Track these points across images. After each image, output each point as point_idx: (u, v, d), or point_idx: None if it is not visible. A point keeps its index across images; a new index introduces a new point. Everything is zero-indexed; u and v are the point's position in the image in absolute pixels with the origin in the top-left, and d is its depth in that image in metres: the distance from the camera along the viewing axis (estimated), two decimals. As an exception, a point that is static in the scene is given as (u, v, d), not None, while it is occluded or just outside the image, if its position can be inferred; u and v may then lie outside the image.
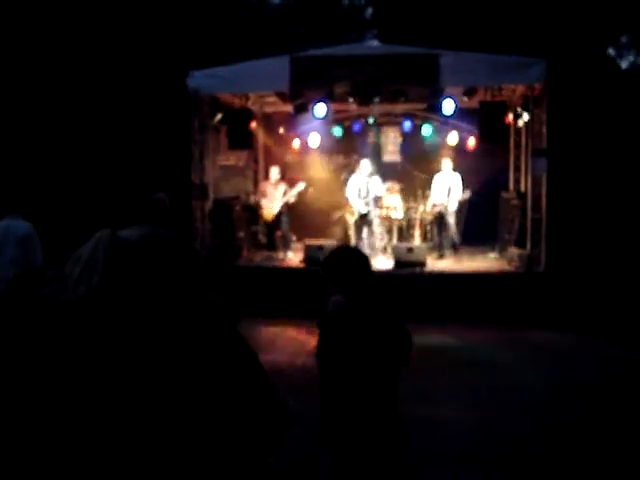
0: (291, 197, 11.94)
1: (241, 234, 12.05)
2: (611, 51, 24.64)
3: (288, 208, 12.08)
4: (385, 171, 12.66)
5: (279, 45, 22.39)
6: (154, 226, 1.73)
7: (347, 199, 11.73)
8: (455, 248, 11.73)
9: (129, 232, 1.67)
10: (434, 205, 11.82)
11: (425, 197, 12.14)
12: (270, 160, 13.10)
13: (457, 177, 11.78)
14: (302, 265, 10.99)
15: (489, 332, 9.33)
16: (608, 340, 8.86)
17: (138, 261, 1.63)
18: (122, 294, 1.58)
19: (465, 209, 11.98)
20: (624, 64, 24.70)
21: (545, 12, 21.84)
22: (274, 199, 11.96)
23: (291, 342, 8.97)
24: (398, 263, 10.72)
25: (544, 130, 10.47)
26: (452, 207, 11.70)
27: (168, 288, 1.67)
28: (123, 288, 1.59)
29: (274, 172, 12.17)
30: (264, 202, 12.00)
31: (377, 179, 11.68)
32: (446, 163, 11.88)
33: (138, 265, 1.63)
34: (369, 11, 35.88)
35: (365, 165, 11.64)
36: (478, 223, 12.50)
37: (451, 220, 11.69)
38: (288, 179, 12.60)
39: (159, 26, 21.04)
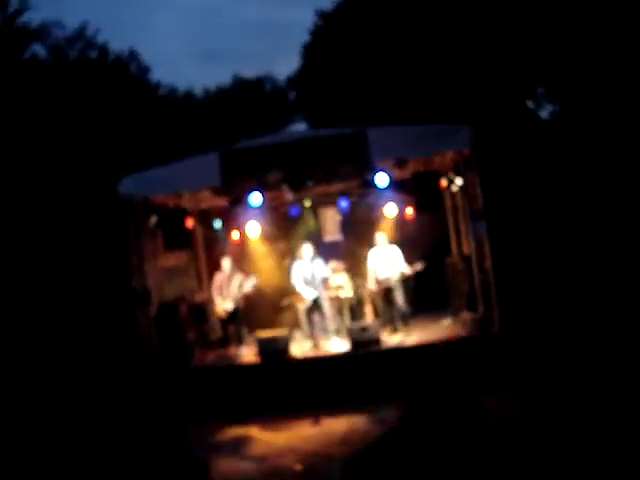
0: (248, 289, 11.72)
1: (190, 335, 11.74)
2: (530, 104, 25.53)
3: (243, 302, 11.86)
4: (328, 251, 12.58)
5: (207, 139, 22.57)
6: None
7: (294, 287, 11.58)
8: (405, 320, 11.57)
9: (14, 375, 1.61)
10: (378, 282, 11.70)
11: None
12: (211, 256, 12.90)
13: (396, 250, 11.72)
14: (257, 360, 10.71)
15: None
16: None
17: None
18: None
19: (413, 278, 11.89)
20: (544, 114, 25.60)
21: (464, 76, 22.52)
22: (229, 293, 11.73)
23: (255, 443, 8.63)
24: (354, 344, 10.55)
25: (478, 192, 10.57)
26: (397, 280, 11.59)
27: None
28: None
29: (226, 263, 11.97)
30: (218, 298, 11.75)
31: (320, 261, 11.60)
32: (380, 237, 11.84)
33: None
34: (292, 95, 36.73)
35: (306, 250, 11.56)
36: (427, 291, 12.46)
37: (398, 294, 11.57)
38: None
39: (86, 136, 21.02)
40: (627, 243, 13.92)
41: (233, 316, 11.76)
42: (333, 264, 12.12)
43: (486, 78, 22.70)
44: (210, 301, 12.29)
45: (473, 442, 2.79)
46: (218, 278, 12.06)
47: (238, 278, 11.84)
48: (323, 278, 11.57)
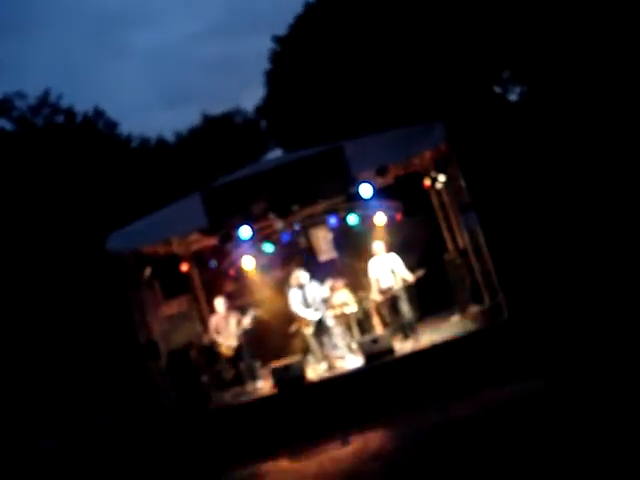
0: (247, 325, 11.68)
1: (204, 378, 11.67)
2: (497, 89, 25.67)
3: (245, 337, 11.80)
4: (325, 270, 12.59)
5: (187, 184, 22.56)
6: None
7: (296, 313, 11.54)
8: (413, 326, 11.50)
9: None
10: (382, 291, 11.67)
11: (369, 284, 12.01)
12: (211, 296, 12.85)
13: (395, 257, 11.70)
14: (274, 390, 10.65)
15: (474, 402, 9.06)
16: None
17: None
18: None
19: (415, 284, 11.84)
20: (513, 97, 25.73)
21: (428, 74, 22.62)
22: (229, 332, 11.68)
23: (289, 474, 8.54)
24: (368, 357, 10.50)
25: (463, 185, 10.58)
26: (400, 288, 11.55)
27: None
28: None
29: (219, 304, 11.94)
30: (219, 338, 11.71)
31: (315, 284, 11.57)
32: (378, 246, 11.82)
33: None
34: (264, 123, 36.83)
35: (300, 275, 11.54)
36: (431, 292, 12.44)
37: (403, 301, 11.52)
38: (234, 307, 12.37)
39: (71, 203, 21.01)
40: (607, 213, 13.94)
41: (239, 353, 11.69)
42: (329, 282, 12.07)
43: (450, 70, 22.81)
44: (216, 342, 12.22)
45: None
46: (213, 320, 12.00)
47: (234, 316, 11.80)
48: (323, 298, 11.54)
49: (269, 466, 9.08)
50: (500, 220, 13.08)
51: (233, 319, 11.77)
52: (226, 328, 11.73)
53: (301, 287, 11.48)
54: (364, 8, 25.52)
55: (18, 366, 14.60)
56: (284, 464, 9.01)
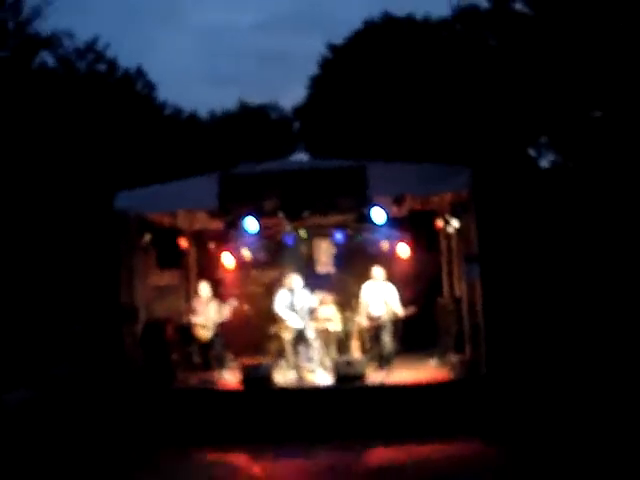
0: (225, 316, 11.67)
1: (175, 356, 11.65)
2: (531, 152, 25.70)
3: (222, 327, 11.78)
4: (319, 282, 12.55)
5: (208, 162, 22.63)
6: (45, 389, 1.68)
7: (278, 315, 11.52)
8: (390, 359, 11.45)
9: (11, 396, 1.62)
10: (370, 317, 11.62)
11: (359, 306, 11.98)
12: (203, 277, 12.83)
13: (391, 288, 11.66)
14: (240, 386, 10.61)
15: (430, 446, 9.03)
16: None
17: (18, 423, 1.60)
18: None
19: (403, 319, 11.81)
20: (544, 163, 25.75)
21: (467, 120, 22.69)
22: (206, 317, 11.66)
23: (232, 471, 8.50)
24: (339, 377, 10.47)
25: (474, 236, 10.55)
26: (388, 319, 11.51)
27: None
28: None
29: (204, 289, 11.94)
30: (197, 321, 11.68)
31: (306, 292, 11.56)
32: (378, 272, 11.78)
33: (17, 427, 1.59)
34: (297, 125, 36.93)
35: (295, 280, 11.53)
36: (416, 330, 12.40)
37: (387, 332, 11.48)
38: (221, 295, 12.36)
39: (86, 149, 21.04)
40: (620, 297, 13.92)
41: (212, 340, 11.67)
42: (320, 295, 12.06)
43: (490, 122, 22.86)
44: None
45: None
46: (194, 302, 12.01)
47: (214, 304, 11.79)
48: (310, 309, 11.52)
49: (215, 457, 9.03)
50: (501, 279, 13.05)
51: (214, 306, 11.76)
52: (204, 313, 11.72)
53: (291, 291, 11.48)
54: (420, 41, 25.71)
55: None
56: (231, 459, 8.97)
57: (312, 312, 11.62)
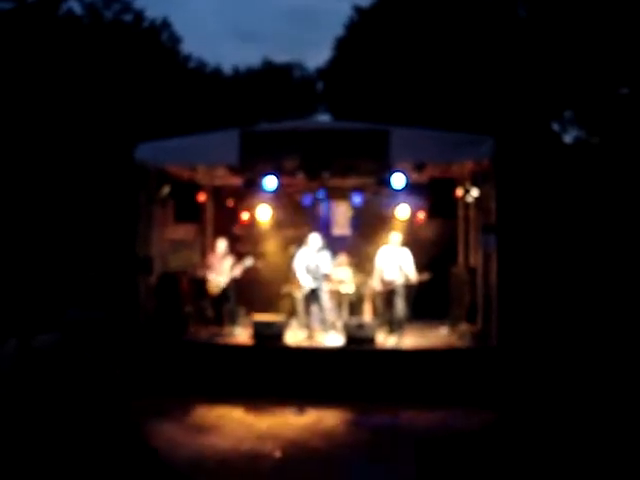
0: (238, 272, 11.74)
1: (188, 308, 11.76)
2: (555, 126, 25.45)
3: (236, 282, 11.86)
4: (335, 244, 12.57)
5: (229, 118, 22.55)
6: (68, 332, 1.73)
7: (294, 273, 11.57)
8: (401, 325, 11.49)
9: (41, 340, 1.68)
10: (384, 282, 11.63)
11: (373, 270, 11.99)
12: (219, 233, 12.89)
13: (407, 253, 11.63)
14: (251, 342, 10.71)
15: (439, 413, 9.11)
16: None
17: (49, 366, 1.65)
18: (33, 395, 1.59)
19: (416, 285, 11.81)
20: (567, 138, 25.51)
21: (492, 90, 22.45)
22: (221, 272, 11.76)
23: (237, 424, 8.61)
24: (349, 339, 10.54)
25: (493, 206, 10.50)
26: (401, 284, 11.52)
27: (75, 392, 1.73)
28: (35, 390, 1.61)
29: (221, 245, 12.00)
30: (211, 276, 11.78)
31: (327, 254, 11.58)
32: (394, 237, 11.74)
33: (49, 370, 1.63)
34: (320, 85, 36.66)
35: (314, 239, 11.54)
36: (428, 298, 12.40)
37: (399, 297, 11.50)
38: (236, 252, 12.42)
39: (109, 99, 21.01)
40: (635, 269, 13.86)
41: (225, 295, 11.77)
42: (338, 258, 12.10)
43: (515, 94, 22.62)
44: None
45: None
46: (210, 257, 12.11)
47: (230, 260, 11.86)
48: (325, 273, 11.55)
49: (221, 411, 9.15)
50: (518, 251, 13.01)
51: (228, 262, 11.83)
52: (219, 268, 11.80)
53: (311, 251, 11.50)
54: (448, 7, 25.35)
55: (13, 250, 14.69)
56: (237, 414, 9.08)
57: (327, 275, 11.66)
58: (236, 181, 11.87)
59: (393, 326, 11.43)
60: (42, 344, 1.52)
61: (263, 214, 12.71)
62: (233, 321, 11.78)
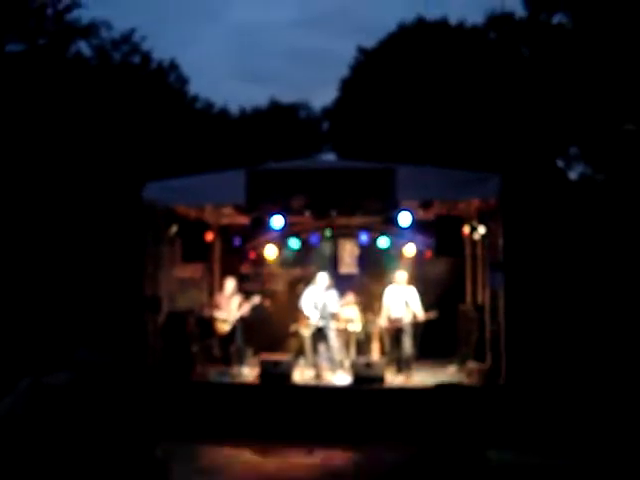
0: (245, 311, 11.74)
1: (195, 348, 11.71)
2: (560, 163, 25.55)
3: (243, 321, 11.85)
4: (342, 283, 12.56)
5: (236, 157, 22.72)
6: (81, 372, 1.75)
7: (302, 311, 11.55)
8: (409, 363, 11.41)
9: (55, 378, 1.68)
10: (390, 320, 11.60)
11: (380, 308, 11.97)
12: (227, 272, 12.91)
13: (413, 291, 11.63)
14: (258, 381, 10.66)
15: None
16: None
17: (63, 404, 1.65)
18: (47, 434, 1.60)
19: (423, 323, 11.78)
20: (573, 175, 25.59)
21: (497, 128, 22.60)
22: (229, 312, 11.75)
23: (246, 466, 8.52)
24: (357, 378, 10.48)
25: (500, 243, 10.50)
26: (409, 322, 11.48)
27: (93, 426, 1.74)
28: (48, 428, 1.61)
29: (229, 284, 12.02)
30: (218, 315, 11.78)
31: (334, 293, 11.58)
32: (401, 275, 11.74)
33: (63, 409, 1.64)
34: (325, 125, 36.97)
35: (322, 278, 11.55)
36: (436, 336, 12.36)
37: (407, 336, 11.45)
38: (244, 291, 12.43)
39: (117, 140, 21.21)
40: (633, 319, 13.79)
41: (232, 335, 11.75)
42: (345, 297, 12.10)
43: (520, 131, 22.76)
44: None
45: None
46: (218, 296, 12.11)
47: (237, 299, 11.86)
48: (332, 311, 11.53)
49: (229, 452, 9.07)
50: (526, 288, 12.97)
51: (236, 300, 11.84)
52: (227, 307, 11.80)
53: (319, 289, 11.50)
54: (452, 47, 25.66)
55: (20, 289, 14.73)
56: (245, 455, 8.99)
57: (334, 314, 11.63)
58: (243, 220, 11.93)
59: (401, 364, 11.38)
60: (55, 382, 1.52)
61: (270, 253, 12.74)
62: (241, 361, 11.74)
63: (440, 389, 9.92)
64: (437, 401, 9.74)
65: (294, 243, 13.19)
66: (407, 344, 11.44)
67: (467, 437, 9.17)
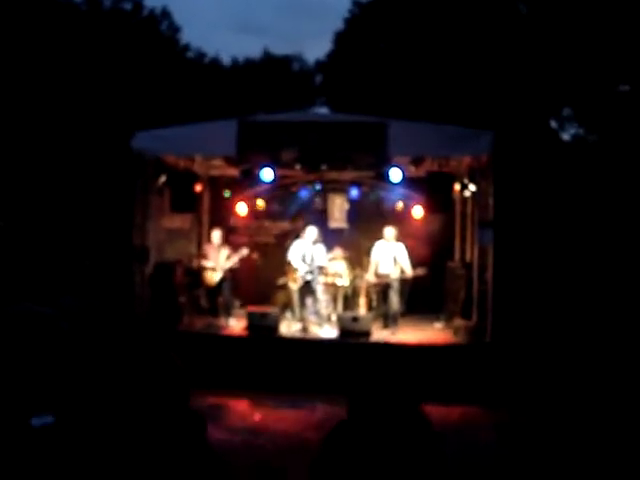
0: (234, 263, 11.73)
1: (182, 299, 11.72)
2: (553, 123, 25.43)
3: (231, 273, 11.84)
4: (331, 238, 12.53)
5: (227, 108, 22.47)
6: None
7: (290, 264, 11.53)
8: (396, 319, 11.46)
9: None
10: (378, 275, 11.61)
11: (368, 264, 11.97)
12: (215, 223, 12.85)
13: (401, 247, 11.60)
14: (245, 333, 10.69)
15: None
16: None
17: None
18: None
19: (411, 280, 11.80)
20: (566, 136, 25.51)
21: (491, 86, 22.41)
22: (216, 263, 11.73)
23: (231, 415, 8.59)
24: (343, 332, 10.52)
25: (490, 201, 10.46)
26: (396, 278, 11.49)
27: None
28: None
29: (216, 235, 11.98)
30: (206, 264, 11.76)
31: (321, 247, 11.55)
32: (389, 231, 11.68)
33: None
34: (319, 78, 36.55)
35: (311, 232, 11.50)
36: (424, 292, 12.41)
37: (394, 291, 11.46)
38: (232, 243, 12.40)
39: (107, 87, 20.92)
40: (632, 268, 13.87)
41: (220, 286, 11.75)
42: (334, 252, 12.08)
43: (513, 90, 22.60)
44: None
45: (412, 451, 2.66)
46: (206, 247, 12.11)
47: (225, 251, 11.84)
48: (321, 265, 11.52)
49: (215, 400, 9.11)
50: (515, 246, 13.00)
51: (224, 251, 11.82)
52: (215, 259, 11.78)
53: (307, 243, 11.47)
54: (448, 1, 25.33)
55: (7, 235, 14.65)
56: (231, 405, 9.07)
57: (322, 268, 11.63)
58: (233, 172, 11.84)
59: (388, 320, 11.42)
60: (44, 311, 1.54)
61: (259, 206, 12.68)
62: (228, 312, 11.76)
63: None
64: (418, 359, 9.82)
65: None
66: (394, 300, 11.46)
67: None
